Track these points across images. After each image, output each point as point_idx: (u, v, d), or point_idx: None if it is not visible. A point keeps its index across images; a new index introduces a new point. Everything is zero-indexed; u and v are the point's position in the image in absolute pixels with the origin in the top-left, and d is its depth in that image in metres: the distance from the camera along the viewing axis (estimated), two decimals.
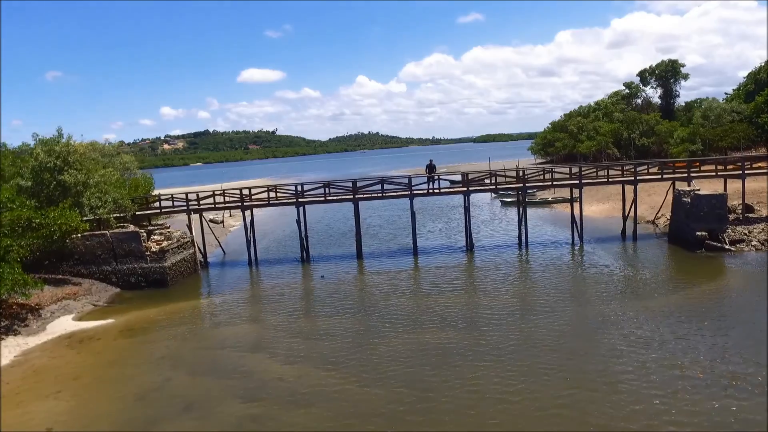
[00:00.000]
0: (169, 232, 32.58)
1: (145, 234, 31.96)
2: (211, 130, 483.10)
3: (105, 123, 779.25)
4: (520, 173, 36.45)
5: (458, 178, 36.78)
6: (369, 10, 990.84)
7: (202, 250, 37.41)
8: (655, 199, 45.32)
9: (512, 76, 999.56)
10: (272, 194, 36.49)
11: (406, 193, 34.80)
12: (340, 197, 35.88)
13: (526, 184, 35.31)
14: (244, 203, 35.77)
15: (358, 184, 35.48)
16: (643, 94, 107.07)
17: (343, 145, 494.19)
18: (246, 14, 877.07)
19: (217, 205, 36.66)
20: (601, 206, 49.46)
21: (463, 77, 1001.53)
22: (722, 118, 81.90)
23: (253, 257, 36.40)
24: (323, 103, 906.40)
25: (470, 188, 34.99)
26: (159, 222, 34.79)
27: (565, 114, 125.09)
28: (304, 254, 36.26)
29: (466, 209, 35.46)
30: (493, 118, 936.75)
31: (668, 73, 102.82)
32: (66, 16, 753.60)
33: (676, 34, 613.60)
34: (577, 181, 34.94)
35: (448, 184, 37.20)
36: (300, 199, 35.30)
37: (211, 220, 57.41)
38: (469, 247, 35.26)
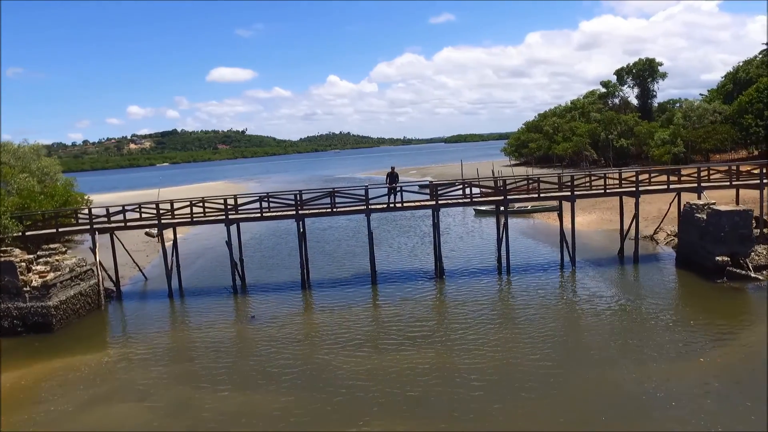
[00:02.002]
0: (57, 260, 25.56)
1: (24, 264, 24.93)
2: (179, 130, 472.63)
3: (70, 122, 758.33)
4: (500, 183, 30.39)
5: (425, 184, 30.76)
6: (340, 10, 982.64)
7: (114, 278, 30.44)
8: (646, 209, 39.74)
9: (483, 76, 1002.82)
10: (198, 209, 29.75)
11: (362, 207, 28.41)
12: (280, 213, 29.29)
13: (508, 197, 29.16)
14: (162, 221, 28.91)
15: (304, 197, 28.97)
16: (620, 93, 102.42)
17: (314, 145, 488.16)
18: (216, 12, 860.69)
19: (128, 224, 29.69)
20: (587, 216, 43.81)
21: (435, 77, 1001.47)
22: (704, 119, 77.75)
23: (175, 286, 29.65)
24: (295, 103, 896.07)
25: (440, 202, 28.73)
26: (53, 246, 27.77)
27: (539, 114, 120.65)
28: (238, 282, 29.65)
29: (435, 226, 29.27)
30: (465, 118, 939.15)
31: (645, 72, 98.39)
32: (29, 11, 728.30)
33: (642, 36, 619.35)
34: (569, 193, 29.02)
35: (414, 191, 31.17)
36: (231, 216, 28.62)
37: (146, 233, 50.29)
38: (439, 272, 29.05)
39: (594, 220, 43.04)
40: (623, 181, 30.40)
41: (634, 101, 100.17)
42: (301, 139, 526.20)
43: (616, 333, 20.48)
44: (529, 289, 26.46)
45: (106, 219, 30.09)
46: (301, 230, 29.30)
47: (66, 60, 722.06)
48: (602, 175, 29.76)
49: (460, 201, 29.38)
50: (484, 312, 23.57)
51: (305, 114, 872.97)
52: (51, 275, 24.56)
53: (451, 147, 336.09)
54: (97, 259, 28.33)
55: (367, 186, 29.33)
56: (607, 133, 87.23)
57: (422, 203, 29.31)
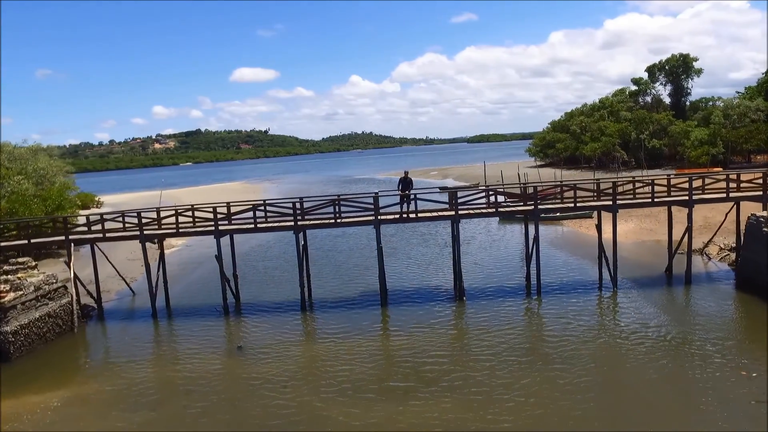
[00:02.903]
0: (20, 278, 22.39)
1: None
2: (203, 130, 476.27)
3: (96, 122, 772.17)
4: (529, 189, 26.50)
5: (443, 193, 27.09)
6: (362, 10, 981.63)
7: (95, 295, 27.30)
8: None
9: (505, 76, 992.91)
10: (187, 218, 26.42)
11: (370, 218, 24.77)
12: (277, 224, 25.81)
13: (539, 206, 25.16)
14: (144, 232, 25.60)
15: (305, 205, 25.45)
16: (652, 91, 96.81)
17: (336, 145, 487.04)
18: (237, 13, 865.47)
19: (107, 235, 26.40)
20: (624, 225, 39.45)
21: (456, 77, 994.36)
22: (745, 117, 72.78)
23: (162, 305, 26.47)
24: (316, 103, 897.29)
25: (460, 212, 24.92)
26: (21, 260, 24.60)
27: (566, 113, 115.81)
28: (231, 300, 26.36)
29: (455, 239, 25.52)
30: (487, 118, 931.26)
31: (679, 69, 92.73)
32: (56, 13, 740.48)
33: (668, 35, 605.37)
34: (611, 203, 25.03)
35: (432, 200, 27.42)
36: (221, 227, 25.23)
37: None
38: (459, 292, 25.26)
39: (632, 230, 38.80)
40: (672, 188, 26.31)
41: (667, 99, 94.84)
42: (323, 138, 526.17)
43: (676, 379, 16.58)
44: (563, 315, 22.55)
45: (86, 228, 26.98)
46: (303, 243, 25.86)
47: (90, 61, 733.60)
48: (649, 181, 25.62)
49: (484, 211, 25.54)
50: (511, 346, 19.79)
51: (326, 114, 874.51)
52: (10, 296, 21.37)
53: (474, 147, 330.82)
54: (72, 274, 25.16)
55: (376, 192, 25.70)
56: (638, 133, 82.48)
57: (440, 213, 25.53)
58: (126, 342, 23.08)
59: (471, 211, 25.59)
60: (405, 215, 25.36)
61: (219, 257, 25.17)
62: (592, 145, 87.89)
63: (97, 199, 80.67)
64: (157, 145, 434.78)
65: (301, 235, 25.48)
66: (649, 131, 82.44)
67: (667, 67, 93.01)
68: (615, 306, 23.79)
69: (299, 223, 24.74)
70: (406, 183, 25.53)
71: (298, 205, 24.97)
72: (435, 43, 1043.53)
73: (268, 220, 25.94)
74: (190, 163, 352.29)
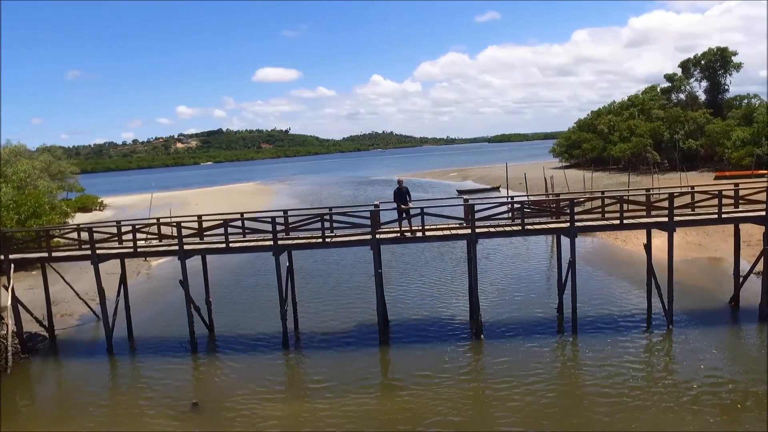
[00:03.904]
0: None
1: None
2: (224, 129, 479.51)
3: (123, 122, 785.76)
4: (562, 202, 21.75)
5: (457, 204, 22.46)
6: (384, 10, 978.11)
7: (46, 323, 23.19)
8: (745, 229, 30.26)
9: (528, 75, 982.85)
10: (152, 233, 22.21)
11: (366, 238, 20.19)
12: (254, 243, 21.34)
13: (576, 224, 20.32)
14: (96, 250, 21.32)
15: (291, 220, 20.99)
16: (686, 87, 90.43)
17: (356, 145, 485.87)
18: (262, 13, 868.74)
19: (53, 255, 22.18)
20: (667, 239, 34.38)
21: (479, 76, 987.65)
22: None
23: (123, 336, 22.32)
24: (338, 102, 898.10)
25: (478, 230, 20.17)
26: None
27: (592, 111, 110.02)
28: (202, 332, 22.08)
29: (471, 262, 20.79)
30: (509, 117, 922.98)
31: (716, 64, 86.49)
32: (85, 16, 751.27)
33: (696, 32, 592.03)
34: (666, 219, 20.21)
35: (440, 212, 22.76)
36: (187, 247, 20.87)
37: None
38: (476, 330, 20.54)
39: (676, 244, 33.18)
40: (740, 200, 21.39)
41: (702, 97, 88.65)
42: (343, 138, 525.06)
43: None
44: (607, 363, 17.75)
45: (35, 245, 22.89)
46: (288, 264, 21.45)
47: (118, 62, 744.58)
48: (715, 192, 20.64)
49: (507, 229, 20.79)
50: (541, 411, 15.09)
51: (348, 113, 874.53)
52: None
53: (495, 147, 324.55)
54: (9, 301, 21.03)
55: (376, 205, 21.12)
56: (672, 133, 76.78)
57: (452, 232, 20.79)
58: (65, 389, 18.93)
59: (491, 229, 20.82)
60: (409, 233, 20.65)
61: (184, 282, 20.84)
62: (621, 146, 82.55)
63: (100, 201, 77.45)
64: (179, 145, 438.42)
65: (281, 257, 20.92)
66: (684, 130, 76.87)
67: (702, 62, 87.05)
68: (671, 351, 18.94)
69: (280, 242, 20.22)
70: (401, 195, 20.68)
71: (280, 221, 20.48)
72: (458, 43, 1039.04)
73: (247, 236, 21.59)
74: (210, 163, 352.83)
